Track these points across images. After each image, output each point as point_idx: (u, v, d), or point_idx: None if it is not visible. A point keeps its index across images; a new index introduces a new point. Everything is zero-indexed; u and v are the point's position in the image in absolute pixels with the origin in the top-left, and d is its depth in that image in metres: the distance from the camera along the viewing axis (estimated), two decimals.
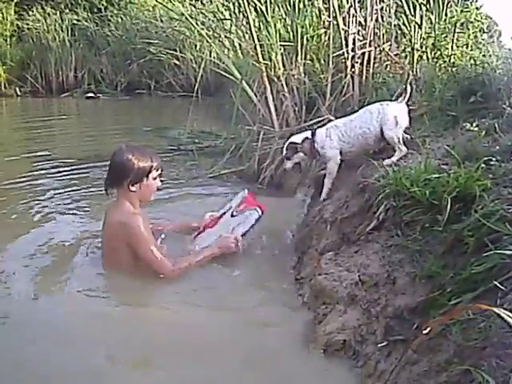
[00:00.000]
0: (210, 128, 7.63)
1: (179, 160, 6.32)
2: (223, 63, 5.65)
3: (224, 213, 3.58)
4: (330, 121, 4.71)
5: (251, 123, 5.32)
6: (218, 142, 6.58)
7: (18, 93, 15.97)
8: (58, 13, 16.17)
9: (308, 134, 3.78)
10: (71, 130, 10.51)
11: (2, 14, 17.25)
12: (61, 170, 6.05)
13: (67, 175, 5.81)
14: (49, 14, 16.13)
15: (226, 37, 6.27)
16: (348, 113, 4.70)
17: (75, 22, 16.06)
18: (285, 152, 3.82)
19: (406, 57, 5.42)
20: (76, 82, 15.97)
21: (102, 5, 16.73)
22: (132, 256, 2.99)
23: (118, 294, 2.98)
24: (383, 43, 5.29)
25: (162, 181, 3.20)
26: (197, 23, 6.16)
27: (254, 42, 5.05)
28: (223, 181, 5.31)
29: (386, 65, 5.27)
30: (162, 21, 14.32)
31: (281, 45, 5.16)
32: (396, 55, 5.37)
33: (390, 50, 5.35)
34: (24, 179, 5.53)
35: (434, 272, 2.10)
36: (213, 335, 2.50)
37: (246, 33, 5.38)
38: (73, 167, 6.12)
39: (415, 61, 5.11)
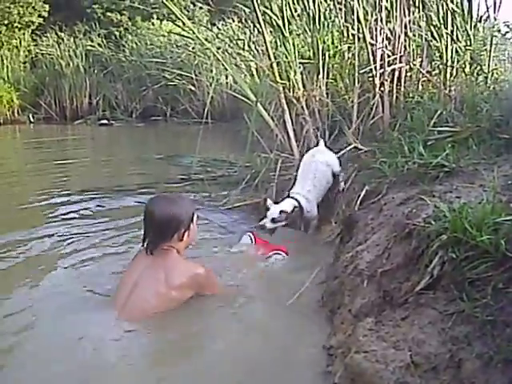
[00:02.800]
0: (225, 156, 7.20)
1: (190, 190, 5.83)
2: (237, 86, 5.15)
3: None
4: (357, 149, 4.21)
5: (268, 150, 4.76)
6: (233, 170, 6.10)
7: (32, 119, 15.75)
8: (72, 38, 15.97)
9: (294, 202, 3.78)
10: (84, 157, 10.12)
11: (17, 39, 17.19)
12: (74, 199, 5.76)
13: (80, 204, 5.53)
14: (63, 40, 15.92)
15: (240, 59, 5.76)
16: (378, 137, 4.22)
17: (89, 47, 15.84)
18: (276, 217, 3.69)
19: (439, 73, 4.82)
20: (90, 108, 15.72)
21: (120, 32, 16.51)
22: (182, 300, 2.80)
23: None
24: (414, 59, 4.72)
25: None
26: (212, 47, 5.70)
27: (270, 59, 4.52)
28: (237, 213, 4.76)
29: (419, 83, 4.68)
30: (177, 46, 14.02)
31: (300, 63, 4.63)
32: (428, 72, 4.78)
33: (421, 66, 4.76)
34: (37, 208, 5.39)
35: None
36: None
37: (262, 51, 4.86)
38: (85, 196, 5.84)
39: (448, 78, 4.52)
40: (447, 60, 4.52)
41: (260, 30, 4.55)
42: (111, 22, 17.90)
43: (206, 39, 6.58)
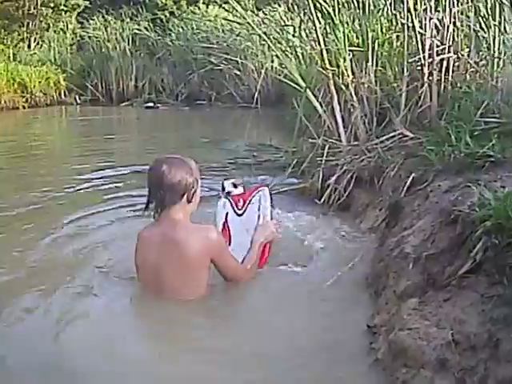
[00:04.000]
0: (269, 141, 7.25)
1: (236, 175, 5.92)
2: (286, 71, 5.22)
3: (223, 225, 3.32)
4: (404, 137, 4.25)
5: (315, 136, 4.83)
6: (279, 155, 6.18)
7: (78, 101, 16.05)
8: (119, 22, 16.19)
9: None
10: (130, 139, 10.42)
11: (64, 23, 17.51)
12: (118, 180, 5.92)
13: (124, 184, 5.71)
14: (109, 23, 16.15)
15: (288, 44, 5.82)
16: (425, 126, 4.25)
17: (136, 31, 16.04)
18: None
19: (486, 64, 4.79)
20: (136, 91, 15.90)
21: (165, 16, 16.69)
22: (206, 274, 2.80)
23: None
24: (462, 49, 4.71)
25: None
26: (263, 32, 5.78)
27: (320, 47, 4.59)
28: (282, 197, 4.83)
29: (466, 73, 4.67)
30: (223, 31, 14.10)
31: (349, 50, 4.66)
32: (475, 63, 4.77)
33: (468, 56, 4.75)
34: (82, 189, 5.55)
35: None
36: None
37: (311, 38, 4.92)
38: (130, 177, 5.98)
39: (495, 69, 4.50)
40: (494, 51, 4.51)
41: (310, 17, 4.62)
42: (156, 5, 18.09)
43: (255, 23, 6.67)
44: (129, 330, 2.67)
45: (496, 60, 4.49)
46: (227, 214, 3.33)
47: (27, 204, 4.98)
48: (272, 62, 9.82)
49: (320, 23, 4.67)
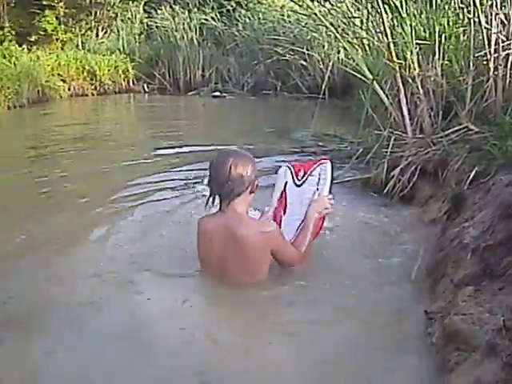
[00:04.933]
0: (334, 131, 7.34)
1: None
2: (353, 63, 5.29)
3: (281, 194, 3.41)
4: (469, 130, 4.28)
5: (381, 127, 4.90)
6: (343, 145, 6.27)
7: (146, 89, 16.47)
8: (186, 12, 16.45)
9: None
10: (196, 126, 10.69)
11: (131, 12, 17.92)
12: (186, 167, 6.10)
13: (190, 172, 5.84)
14: (177, 13, 16.44)
15: (355, 36, 5.87)
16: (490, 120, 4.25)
17: (203, 21, 16.27)
18: None
19: None
20: (203, 80, 16.14)
21: (231, 6, 16.87)
22: (267, 264, 2.96)
23: None
24: None
25: None
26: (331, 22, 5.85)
27: (387, 39, 4.64)
28: (346, 187, 4.94)
29: None
30: (290, 21, 14.15)
31: (416, 43, 4.69)
32: None
33: None
34: (149, 178, 5.63)
35: None
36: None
37: (379, 31, 4.97)
38: (197, 165, 6.08)
39: None
40: None
41: (378, 9, 4.68)
42: None
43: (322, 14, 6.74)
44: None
45: None
46: (286, 183, 3.42)
47: (87, 184, 5.50)
48: (338, 53, 9.86)
49: (387, 16, 4.70)
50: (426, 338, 2.32)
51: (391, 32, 4.71)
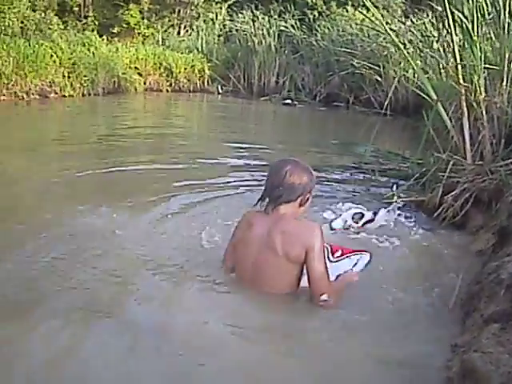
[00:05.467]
0: (401, 150, 7.22)
1: (358, 178, 6.05)
2: (419, 82, 5.20)
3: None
4: None
5: (441, 150, 4.78)
6: (405, 165, 6.14)
7: (220, 91, 16.70)
8: (266, 17, 16.56)
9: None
10: (263, 131, 10.76)
11: (213, 13, 18.19)
12: (251, 172, 6.17)
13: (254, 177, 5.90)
14: (257, 18, 16.57)
15: (427, 55, 5.76)
16: None
17: (283, 28, 16.34)
18: None
19: None
20: (277, 87, 16.25)
21: (314, 15, 16.86)
22: (296, 276, 2.90)
23: None
24: None
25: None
26: (402, 40, 5.78)
27: (455, 60, 4.53)
28: (400, 208, 4.84)
29: None
30: (368, 35, 14.02)
31: (485, 67, 4.55)
32: None
33: None
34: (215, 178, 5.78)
35: None
36: None
37: (448, 51, 4.85)
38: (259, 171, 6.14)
39: None
40: None
41: (449, 30, 4.57)
42: (306, 4, 18.30)
43: (396, 31, 6.67)
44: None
45: None
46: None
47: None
48: (406, 71, 9.71)
49: (458, 37, 4.59)
50: (444, 372, 2.23)
51: (460, 54, 4.59)
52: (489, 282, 2.67)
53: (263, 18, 16.68)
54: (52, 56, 12.15)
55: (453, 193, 4.34)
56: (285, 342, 2.65)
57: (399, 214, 4.59)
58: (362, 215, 3.97)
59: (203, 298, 2.95)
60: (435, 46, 5.42)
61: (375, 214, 4.04)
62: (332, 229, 3.96)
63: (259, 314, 2.82)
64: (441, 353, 2.43)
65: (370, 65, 12.52)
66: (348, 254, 3.33)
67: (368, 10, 12.62)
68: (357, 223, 3.97)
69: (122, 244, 3.64)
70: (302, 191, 2.89)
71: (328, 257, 3.25)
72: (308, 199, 2.96)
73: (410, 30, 7.63)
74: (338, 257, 3.32)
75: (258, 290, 2.87)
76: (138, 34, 18.13)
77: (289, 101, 15.18)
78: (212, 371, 2.30)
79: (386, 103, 5.43)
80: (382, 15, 15.10)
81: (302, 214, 3.04)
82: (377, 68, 12.59)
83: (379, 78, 13.43)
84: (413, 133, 9.18)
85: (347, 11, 16.31)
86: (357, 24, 14.95)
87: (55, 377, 2.22)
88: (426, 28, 7.73)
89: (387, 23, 10.85)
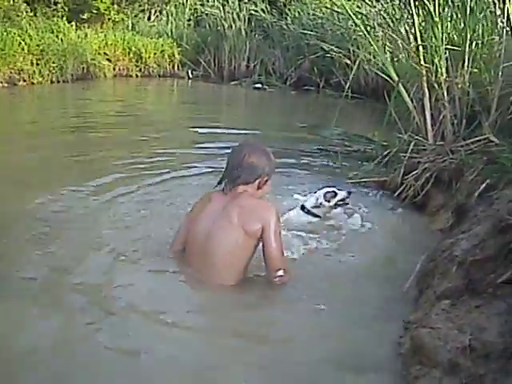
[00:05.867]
0: (369, 132, 7.24)
1: (324, 161, 6.08)
2: (381, 63, 5.21)
3: None
4: (490, 142, 4.14)
5: (403, 131, 4.80)
6: (369, 147, 6.17)
7: (190, 75, 16.45)
8: (236, 1, 16.41)
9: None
10: (235, 117, 10.71)
11: None
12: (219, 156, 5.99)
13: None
14: (227, 2, 16.41)
15: (389, 38, 5.75)
16: None
17: (253, 12, 16.19)
18: None
19: None
20: (247, 71, 16.06)
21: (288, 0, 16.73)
22: (248, 253, 2.89)
23: None
24: None
25: None
26: (372, 24, 5.80)
27: (416, 42, 4.53)
28: (362, 188, 4.88)
29: None
30: (338, 19, 13.93)
31: (446, 48, 4.56)
32: None
33: None
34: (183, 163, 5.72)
35: None
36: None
37: (410, 32, 4.85)
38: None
39: None
40: None
41: (410, 11, 4.57)
42: None
43: (365, 14, 6.66)
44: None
45: None
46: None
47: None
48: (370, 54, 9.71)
49: (419, 19, 4.59)
50: (397, 349, 2.25)
51: (421, 35, 4.59)
52: (442, 259, 2.69)
53: (233, 2, 16.50)
54: (20, 43, 11.90)
55: (414, 172, 4.37)
56: (240, 327, 2.64)
57: (362, 195, 4.63)
58: (335, 194, 3.94)
59: (147, 281, 2.97)
60: (395, 26, 5.38)
61: (349, 193, 4.01)
62: (303, 208, 3.95)
63: (208, 300, 2.85)
64: (395, 331, 2.45)
65: (339, 49, 12.47)
66: None
67: None
68: (329, 202, 3.93)
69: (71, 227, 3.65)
70: (260, 173, 2.93)
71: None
72: (266, 182, 2.99)
73: (380, 14, 7.62)
74: None
75: (209, 264, 2.85)
76: (108, 19, 17.80)
77: (259, 85, 15.06)
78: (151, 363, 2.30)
79: (347, 86, 5.31)
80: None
81: (264, 194, 3.06)
82: (347, 51, 12.54)
83: (349, 62, 13.38)
84: (381, 115, 9.15)
85: None
86: (327, 8, 14.85)
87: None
88: (395, 11, 7.70)
89: (358, 7, 10.92)
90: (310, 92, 14.45)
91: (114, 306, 2.68)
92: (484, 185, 3.48)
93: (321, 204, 3.93)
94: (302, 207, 3.97)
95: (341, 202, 3.99)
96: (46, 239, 3.40)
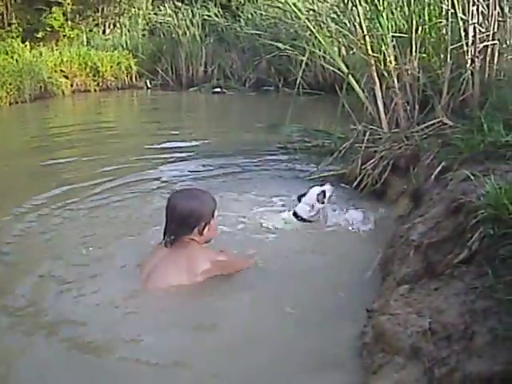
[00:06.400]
0: (332, 128, 7.25)
1: (283, 158, 6.05)
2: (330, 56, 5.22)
3: None
4: (444, 124, 4.16)
5: (356, 122, 4.80)
6: (329, 141, 6.17)
7: (149, 85, 16.35)
8: (189, 8, 16.35)
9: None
10: (196, 123, 10.66)
11: (137, 8, 17.88)
12: (181, 162, 6.11)
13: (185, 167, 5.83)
14: (180, 9, 16.35)
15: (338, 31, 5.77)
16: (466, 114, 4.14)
17: (206, 17, 16.15)
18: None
19: None
20: (205, 76, 16.03)
21: (239, 2, 16.71)
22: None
23: None
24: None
25: None
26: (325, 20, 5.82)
27: (362, 32, 4.54)
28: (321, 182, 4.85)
29: None
30: (291, 17, 13.95)
31: (393, 36, 4.57)
32: None
33: None
34: (149, 170, 5.66)
35: None
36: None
37: (355, 23, 4.85)
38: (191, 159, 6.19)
39: None
40: None
41: (354, 2, 4.57)
42: None
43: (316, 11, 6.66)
44: None
45: None
46: None
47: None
48: (339, 50, 9.76)
49: (362, 7, 4.59)
50: (362, 338, 2.22)
51: (367, 25, 4.60)
52: (400, 244, 2.67)
53: (185, 9, 16.44)
54: None
55: (371, 162, 4.36)
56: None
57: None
58: (324, 193, 3.89)
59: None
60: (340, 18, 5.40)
61: (332, 184, 3.97)
62: (298, 217, 3.83)
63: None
64: (361, 319, 2.42)
65: (294, 47, 12.47)
66: None
67: None
68: (323, 203, 3.87)
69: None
70: (195, 222, 2.88)
71: None
72: (206, 225, 2.92)
73: (332, 9, 7.64)
74: None
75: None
76: (63, 36, 17.60)
77: (218, 89, 15.02)
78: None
79: (298, 82, 5.29)
80: None
81: (209, 239, 3.02)
82: (302, 49, 12.55)
83: (305, 59, 13.38)
84: (343, 110, 9.27)
85: None
86: (278, 8, 14.86)
87: None
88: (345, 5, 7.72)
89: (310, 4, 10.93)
90: (270, 92, 14.47)
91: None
92: (439, 167, 3.47)
93: (313, 207, 3.85)
94: (296, 216, 3.85)
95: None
96: None
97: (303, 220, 3.81)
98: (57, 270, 3.19)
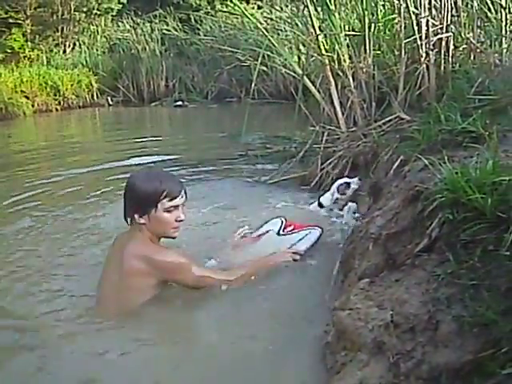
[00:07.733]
0: (294, 133, 7.23)
1: (244, 165, 6.04)
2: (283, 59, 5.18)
3: (262, 234, 3.34)
4: (401, 119, 4.13)
5: (314, 123, 4.75)
6: (289, 146, 6.13)
7: (110, 102, 16.26)
8: (147, 23, 16.35)
9: None
10: (159, 136, 10.52)
11: (96, 26, 17.78)
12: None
13: None
14: (138, 24, 16.30)
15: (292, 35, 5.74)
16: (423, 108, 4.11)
17: (165, 31, 16.12)
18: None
19: (489, 44, 4.58)
20: (167, 90, 16.04)
21: (199, 16, 16.68)
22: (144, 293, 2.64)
23: None
24: (465, 29, 4.53)
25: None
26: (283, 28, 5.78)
27: (315, 32, 4.49)
28: (282, 187, 4.80)
29: (469, 54, 4.48)
30: (250, 28, 13.98)
31: (346, 35, 4.54)
32: (482, 44, 4.55)
33: (472, 37, 4.54)
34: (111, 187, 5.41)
35: (490, 319, 1.46)
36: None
37: (307, 24, 4.82)
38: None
39: (504, 49, 4.31)
40: (501, 30, 4.33)
41: (304, 2, 4.52)
42: (190, 6, 18.16)
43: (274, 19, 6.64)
44: None
45: (502, 38, 4.31)
46: (268, 231, 3.35)
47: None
48: (298, 58, 9.77)
49: (315, 9, 4.55)
50: (324, 337, 2.12)
51: (319, 25, 4.56)
52: (359, 239, 2.58)
53: (144, 24, 16.39)
54: None
55: (330, 161, 4.31)
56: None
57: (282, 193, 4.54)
58: (348, 185, 3.82)
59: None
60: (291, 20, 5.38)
61: (360, 179, 3.90)
62: (321, 205, 3.86)
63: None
64: (323, 320, 2.33)
65: (252, 57, 12.46)
66: (299, 229, 3.33)
67: (247, 2, 12.65)
68: (344, 194, 3.81)
69: None
70: (132, 203, 2.68)
71: (278, 231, 3.34)
72: (146, 214, 2.64)
73: (290, 17, 7.67)
74: (288, 231, 3.33)
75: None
76: (24, 57, 17.37)
77: (180, 102, 14.98)
78: None
79: (252, 88, 5.42)
80: (259, 6, 15.27)
81: (159, 231, 2.73)
82: (262, 58, 12.53)
83: (265, 69, 13.41)
84: (302, 115, 9.26)
85: (227, 7, 16.23)
86: (236, 18, 14.90)
87: None
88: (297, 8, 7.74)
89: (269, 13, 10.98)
90: (232, 103, 14.50)
91: None
92: (398, 161, 3.41)
93: (337, 199, 3.83)
94: (320, 205, 3.87)
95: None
96: None
97: (322, 207, 3.85)
98: None
